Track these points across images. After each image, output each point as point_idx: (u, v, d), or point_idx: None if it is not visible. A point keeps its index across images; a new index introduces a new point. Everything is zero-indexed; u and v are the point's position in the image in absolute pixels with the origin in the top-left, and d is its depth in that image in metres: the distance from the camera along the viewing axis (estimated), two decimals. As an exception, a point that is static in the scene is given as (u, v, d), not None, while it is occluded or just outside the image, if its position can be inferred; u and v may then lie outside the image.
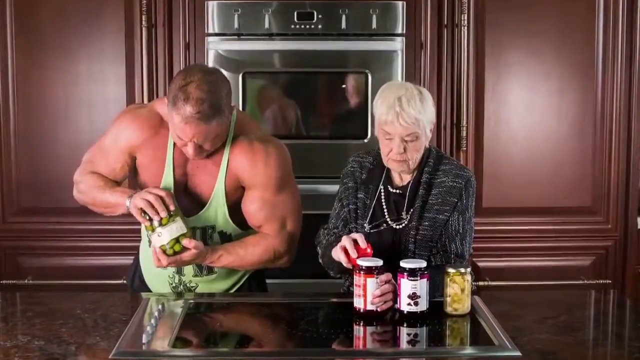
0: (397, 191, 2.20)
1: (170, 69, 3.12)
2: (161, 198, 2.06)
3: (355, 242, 2.00)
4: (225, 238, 2.23)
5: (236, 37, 3.04)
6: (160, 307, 1.99)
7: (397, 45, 3.05)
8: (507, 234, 3.19)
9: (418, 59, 3.12)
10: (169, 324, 1.91)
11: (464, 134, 3.14)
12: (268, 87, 3.15)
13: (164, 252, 2.08)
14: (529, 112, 3.20)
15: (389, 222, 2.18)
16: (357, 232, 2.17)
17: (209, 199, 2.18)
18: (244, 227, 2.25)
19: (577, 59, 3.16)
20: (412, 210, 2.16)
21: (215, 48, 3.04)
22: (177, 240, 2.07)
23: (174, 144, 2.16)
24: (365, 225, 2.19)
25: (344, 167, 2.31)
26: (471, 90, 3.15)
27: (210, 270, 2.25)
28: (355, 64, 3.07)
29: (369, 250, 1.98)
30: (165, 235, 2.06)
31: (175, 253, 2.08)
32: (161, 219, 2.05)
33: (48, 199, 3.15)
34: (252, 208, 2.19)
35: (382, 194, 2.21)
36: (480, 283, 3.12)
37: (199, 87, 2.00)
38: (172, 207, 2.07)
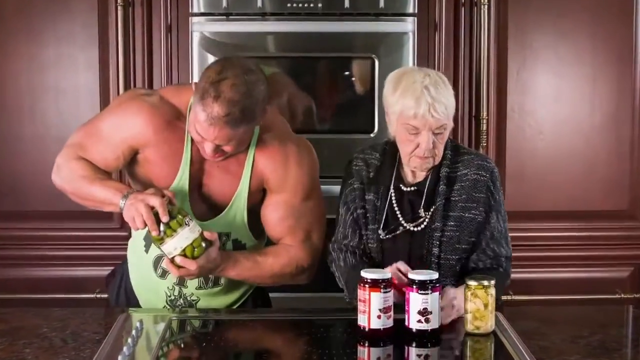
0: (412, 189, 2.20)
1: (150, 54, 3.12)
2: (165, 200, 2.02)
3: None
4: (239, 247, 2.23)
5: (224, 17, 3.04)
6: (138, 324, 1.99)
7: (408, 26, 3.05)
8: (533, 242, 3.19)
9: (432, 42, 3.12)
10: (148, 344, 1.90)
11: (484, 128, 3.14)
12: (271, 76, 3.15)
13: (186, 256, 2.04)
14: (557, 103, 3.20)
15: (405, 224, 2.18)
16: (368, 239, 2.18)
17: (230, 202, 2.18)
18: (258, 238, 2.26)
19: (613, 42, 3.17)
20: (432, 209, 2.17)
21: (200, 30, 3.04)
22: (192, 248, 2.04)
23: (191, 140, 2.14)
24: (379, 231, 2.19)
25: (350, 159, 2.29)
26: (492, 77, 3.15)
27: (215, 282, 2.25)
28: (361, 48, 3.07)
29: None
30: (179, 242, 2.03)
31: (194, 258, 2.05)
32: (169, 224, 2.01)
33: (10, 201, 3.15)
34: (275, 216, 2.20)
35: (394, 194, 2.21)
36: (503, 297, 3.12)
37: (234, 87, 1.98)
38: (175, 203, 2.05)
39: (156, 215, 2.01)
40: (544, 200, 3.20)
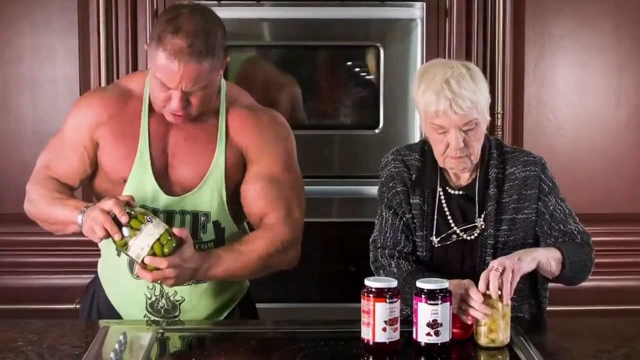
0: (460, 193, 2.21)
1: (134, 43, 3.12)
2: (121, 203, 2.05)
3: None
4: (220, 234, 2.24)
5: (216, 2, 3.04)
6: (121, 337, 1.99)
7: (416, 12, 3.05)
8: (553, 247, 3.19)
9: (442, 30, 3.12)
10: (132, 359, 1.90)
11: (499, 123, 3.14)
12: (256, 64, 3.15)
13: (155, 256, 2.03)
14: (579, 95, 3.20)
15: (459, 232, 2.19)
16: (417, 246, 2.19)
17: (204, 177, 2.20)
18: (240, 226, 2.28)
19: (640, 29, 3.18)
20: (484, 214, 2.18)
21: (189, 16, 3.04)
22: (160, 239, 2.03)
23: (149, 116, 2.19)
24: (432, 238, 2.19)
25: (381, 162, 2.29)
26: (507, 68, 3.15)
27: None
28: (365, 35, 3.07)
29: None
30: (144, 240, 2.04)
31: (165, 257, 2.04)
32: (130, 226, 2.01)
33: (-19, 203, 3.16)
34: (255, 188, 2.22)
35: (443, 197, 2.21)
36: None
37: (191, 19, 2.06)
38: (134, 205, 2.05)
39: (116, 221, 2.01)
40: (565, 202, 3.20)
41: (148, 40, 2.15)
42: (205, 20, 2.09)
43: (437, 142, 2.14)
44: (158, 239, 2.02)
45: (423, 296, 1.92)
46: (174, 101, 2.09)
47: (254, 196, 2.22)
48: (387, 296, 1.91)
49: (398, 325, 1.93)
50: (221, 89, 2.24)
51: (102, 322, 2.19)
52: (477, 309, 1.93)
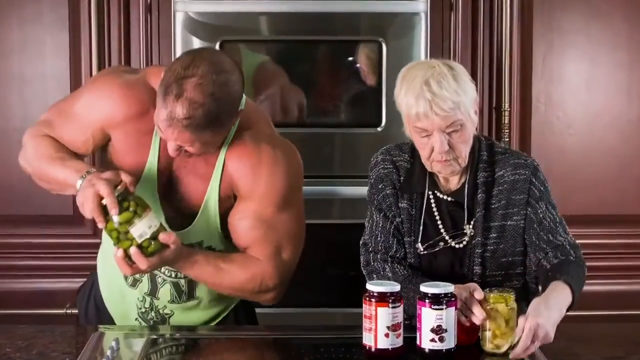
0: (449, 198, 2.20)
1: (127, 37, 3.13)
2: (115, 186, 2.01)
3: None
4: None
5: (211, -5, 3.05)
6: (114, 344, 1.99)
7: (420, 6, 3.05)
8: (562, 250, 3.20)
9: (446, 24, 3.13)
10: (124, 366, 1.90)
11: (506, 121, 3.15)
12: (254, 60, 3.15)
13: (141, 251, 2.02)
14: (589, 93, 3.20)
15: (448, 239, 2.18)
16: (405, 252, 2.18)
17: (199, 208, 2.18)
18: (233, 244, 2.25)
19: (653, 23, 3.18)
20: (473, 221, 2.16)
21: (184, 10, 3.04)
22: (151, 238, 2.05)
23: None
24: (418, 245, 2.19)
25: (370, 162, 2.28)
26: (515, 64, 3.16)
27: (190, 296, 2.26)
28: (366, 30, 3.08)
29: None
30: (134, 232, 2.03)
31: (150, 255, 2.04)
32: (119, 217, 1.99)
33: (-33, 203, 3.16)
34: (242, 225, 2.18)
35: (433, 202, 2.21)
36: (527, 313, 3.13)
37: (199, 87, 1.97)
38: (132, 191, 2.04)
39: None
40: (574, 204, 3.20)
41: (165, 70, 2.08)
42: (216, 85, 1.99)
43: (421, 145, 2.12)
44: (143, 241, 2.02)
45: (427, 301, 1.92)
46: (169, 148, 2.06)
47: (240, 231, 2.18)
48: (390, 301, 1.91)
49: (401, 331, 1.93)
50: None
51: (95, 328, 2.19)
52: (476, 314, 1.93)
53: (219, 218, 2.18)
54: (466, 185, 2.17)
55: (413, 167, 2.22)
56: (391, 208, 2.21)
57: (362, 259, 2.27)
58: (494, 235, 2.15)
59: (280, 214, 2.18)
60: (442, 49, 3.10)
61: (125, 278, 2.25)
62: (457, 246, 2.17)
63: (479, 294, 1.94)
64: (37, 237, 3.13)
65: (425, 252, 2.18)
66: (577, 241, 3.16)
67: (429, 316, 1.91)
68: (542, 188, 2.18)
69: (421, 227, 2.18)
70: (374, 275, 2.21)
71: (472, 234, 2.16)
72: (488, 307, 1.94)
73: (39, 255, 3.15)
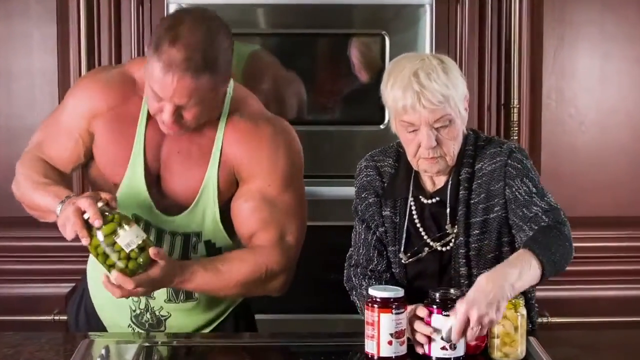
0: (433, 200, 2.19)
1: (118, 30, 3.13)
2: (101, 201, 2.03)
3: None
4: (213, 251, 2.25)
5: (206, -14, 3.05)
6: (104, 351, 2.00)
7: (425, -3, 3.06)
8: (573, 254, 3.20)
9: (452, 16, 3.13)
10: (115, 374, 1.92)
11: (515, 118, 3.15)
12: (252, 54, 3.16)
13: (122, 271, 2.03)
14: (602, 89, 3.21)
15: (431, 243, 2.18)
16: (390, 263, 2.17)
17: (196, 196, 2.20)
18: (235, 239, 2.28)
19: (669, 16, 3.19)
20: (456, 220, 2.16)
21: (178, 1, 3.04)
22: (139, 249, 2.03)
23: (147, 119, 2.18)
24: (400, 255, 2.18)
25: (356, 169, 2.29)
26: (524, 58, 3.16)
27: (188, 296, 2.26)
28: (369, 23, 3.08)
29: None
30: (122, 243, 2.03)
31: (133, 273, 2.04)
32: (104, 230, 2.00)
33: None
34: (246, 207, 2.20)
35: (414, 207, 2.21)
36: (538, 319, 3.12)
37: (193, 29, 2.03)
38: (114, 207, 2.05)
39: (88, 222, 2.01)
40: (586, 205, 3.21)
41: (147, 45, 2.12)
42: (209, 31, 2.05)
43: (408, 141, 2.12)
44: (131, 251, 2.03)
45: (435, 306, 1.92)
46: (165, 114, 2.08)
47: (244, 215, 2.21)
48: (393, 307, 1.92)
49: (405, 338, 1.93)
50: (226, 95, 2.21)
51: (84, 335, 2.20)
52: (420, 330, 1.93)
53: (218, 207, 2.20)
54: (449, 183, 2.16)
55: (397, 171, 2.22)
56: (374, 217, 2.22)
57: (345, 274, 2.28)
58: (477, 232, 2.13)
59: (284, 193, 2.22)
60: (448, 42, 3.11)
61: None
62: (443, 249, 2.17)
63: (420, 311, 1.94)
64: (23, 240, 3.13)
65: (409, 260, 2.18)
66: (589, 245, 3.19)
67: (439, 322, 1.91)
68: (519, 166, 2.12)
69: (404, 235, 2.19)
70: (354, 292, 2.23)
71: (455, 233, 2.15)
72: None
73: (25, 259, 3.16)
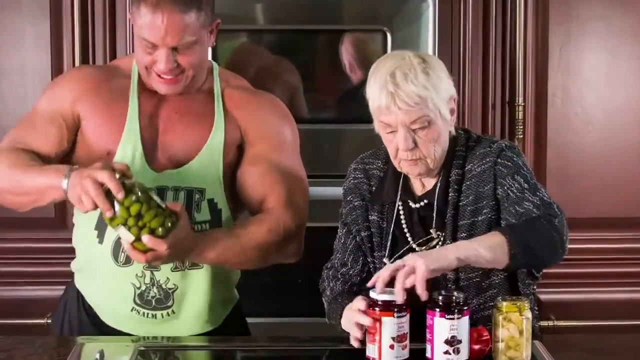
0: (422, 204, 2.18)
1: (112, 26, 3.13)
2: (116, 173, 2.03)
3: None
4: (216, 213, 2.26)
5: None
6: (98, 355, 2.00)
7: (427, -8, 3.06)
8: (579, 255, 3.18)
9: (456, 12, 3.13)
10: (110, 379, 1.91)
11: (520, 117, 3.15)
12: (247, 50, 3.16)
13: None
14: (609, 87, 3.21)
15: (416, 248, 2.17)
16: (375, 268, 2.16)
17: (199, 151, 2.24)
18: (237, 206, 2.31)
19: (679, 11, 3.19)
20: (444, 223, 2.15)
21: (174, -4, 3.04)
22: (163, 218, 2.04)
23: (138, 89, 2.24)
24: (385, 260, 2.17)
25: (348, 168, 2.29)
26: (530, 54, 3.16)
27: (194, 264, 2.26)
28: (369, 19, 3.08)
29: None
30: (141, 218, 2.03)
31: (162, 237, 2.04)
32: (123, 202, 2.00)
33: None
34: (255, 171, 2.26)
35: (402, 211, 2.20)
36: (544, 323, 3.13)
37: None
38: (130, 176, 2.05)
39: (107, 193, 2.01)
40: (593, 205, 3.21)
41: (130, 9, 2.18)
42: None
43: (388, 142, 2.12)
44: (155, 217, 2.03)
45: (438, 310, 1.92)
46: (160, 61, 2.13)
47: (252, 180, 2.27)
48: (395, 310, 1.92)
49: (407, 342, 1.93)
50: (213, 68, 2.30)
51: (78, 339, 2.20)
52: (361, 321, 1.93)
53: (222, 168, 2.25)
54: (438, 186, 2.16)
55: (385, 174, 2.22)
56: (357, 221, 2.21)
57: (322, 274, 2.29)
58: (464, 235, 2.10)
59: (290, 158, 2.31)
60: (452, 38, 3.11)
61: (115, 259, 2.24)
62: None
63: (359, 304, 1.95)
64: (15, 241, 3.13)
65: None
66: (594, 246, 3.19)
67: (442, 327, 1.91)
68: (509, 164, 2.10)
69: (389, 240, 2.19)
70: (321, 291, 2.25)
71: (441, 237, 2.14)
72: (500, 317, 1.95)
73: (17, 261, 3.16)
